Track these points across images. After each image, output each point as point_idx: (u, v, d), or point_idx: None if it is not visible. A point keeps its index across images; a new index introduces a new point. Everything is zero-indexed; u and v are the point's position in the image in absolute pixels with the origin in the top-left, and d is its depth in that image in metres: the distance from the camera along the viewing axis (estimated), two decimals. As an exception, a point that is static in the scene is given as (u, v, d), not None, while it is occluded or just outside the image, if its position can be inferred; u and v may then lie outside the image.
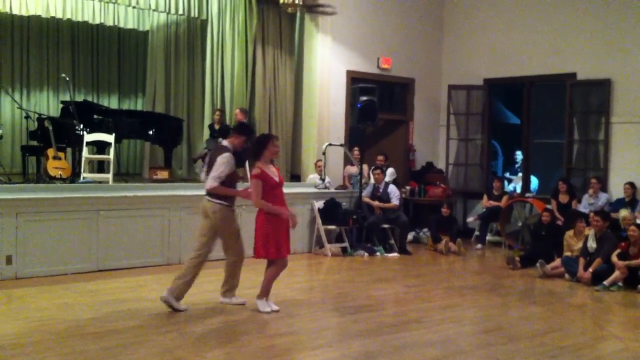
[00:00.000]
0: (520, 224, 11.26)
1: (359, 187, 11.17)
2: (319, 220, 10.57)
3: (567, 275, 8.96)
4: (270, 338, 5.90)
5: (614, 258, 8.50)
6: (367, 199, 11.11)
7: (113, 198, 8.74)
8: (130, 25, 13.88)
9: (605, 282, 8.33)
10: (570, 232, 9.44)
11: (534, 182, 13.66)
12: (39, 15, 12.60)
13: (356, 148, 11.80)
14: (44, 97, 14.09)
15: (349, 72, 12.33)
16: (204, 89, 13.34)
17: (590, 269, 8.61)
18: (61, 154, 10.13)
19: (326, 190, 11.11)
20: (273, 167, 6.62)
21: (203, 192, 6.68)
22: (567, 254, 9.24)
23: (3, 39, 13.55)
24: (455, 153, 13.34)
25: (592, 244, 8.85)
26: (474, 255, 11.14)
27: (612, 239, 8.74)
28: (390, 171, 11.79)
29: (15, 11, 12.21)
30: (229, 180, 6.56)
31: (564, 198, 11.17)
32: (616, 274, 8.35)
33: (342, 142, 11.97)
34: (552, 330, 6.41)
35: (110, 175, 10.41)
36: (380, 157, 11.91)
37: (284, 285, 7.41)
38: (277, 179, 6.54)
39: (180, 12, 12.79)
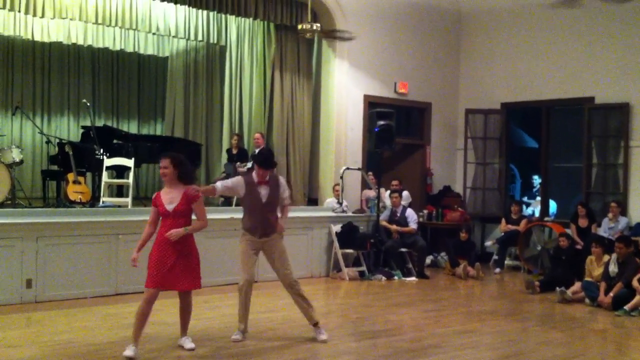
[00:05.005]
0: (539, 248, 11.17)
1: (377, 210, 11.16)
2: (336, 244, 10.57)
3: (587, 300, 8.87)
4: (288, 362, 5.88)
5: (635, 283, 8.41)
6: (384, 223, 11.09)
7: (132, 222, 8.78)
8: (150, 52, 14.06)
9: (626, 307, 8.23)
10: (591, 257, 9.34)
11: (552, 206, 13.57)
12: (60, 42, 12.83)
13: (370, 173, 11.80)
14: (64, 122, 14.29)
15: (366, 97, 12.37)
16: (222, 114, 13.48)
17: (611, 294, 8.52)
18: (81, 179, 10.21)
19: (344, 214, 11.11)
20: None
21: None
22: (588, 279, 9.15)
23: (25, 65, 13.78)
24: (473, 177, 13.29)
25: (613, 269, 8.76)
26: (492, 279, 11.06)
27: (634, 264, 8.65)
28: (405, 194, 11.78)
29: (37, 38, 12.44)
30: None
31: (583, 222, 11.07)
32: (637, 298, 8.25)
33: (360, 166, 11.99)
34: (572, 356, 6.34)
35: (129, 200, 10.47)
36: (394, 182, 11.91)
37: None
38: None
39: (200, 38, 12.98)
